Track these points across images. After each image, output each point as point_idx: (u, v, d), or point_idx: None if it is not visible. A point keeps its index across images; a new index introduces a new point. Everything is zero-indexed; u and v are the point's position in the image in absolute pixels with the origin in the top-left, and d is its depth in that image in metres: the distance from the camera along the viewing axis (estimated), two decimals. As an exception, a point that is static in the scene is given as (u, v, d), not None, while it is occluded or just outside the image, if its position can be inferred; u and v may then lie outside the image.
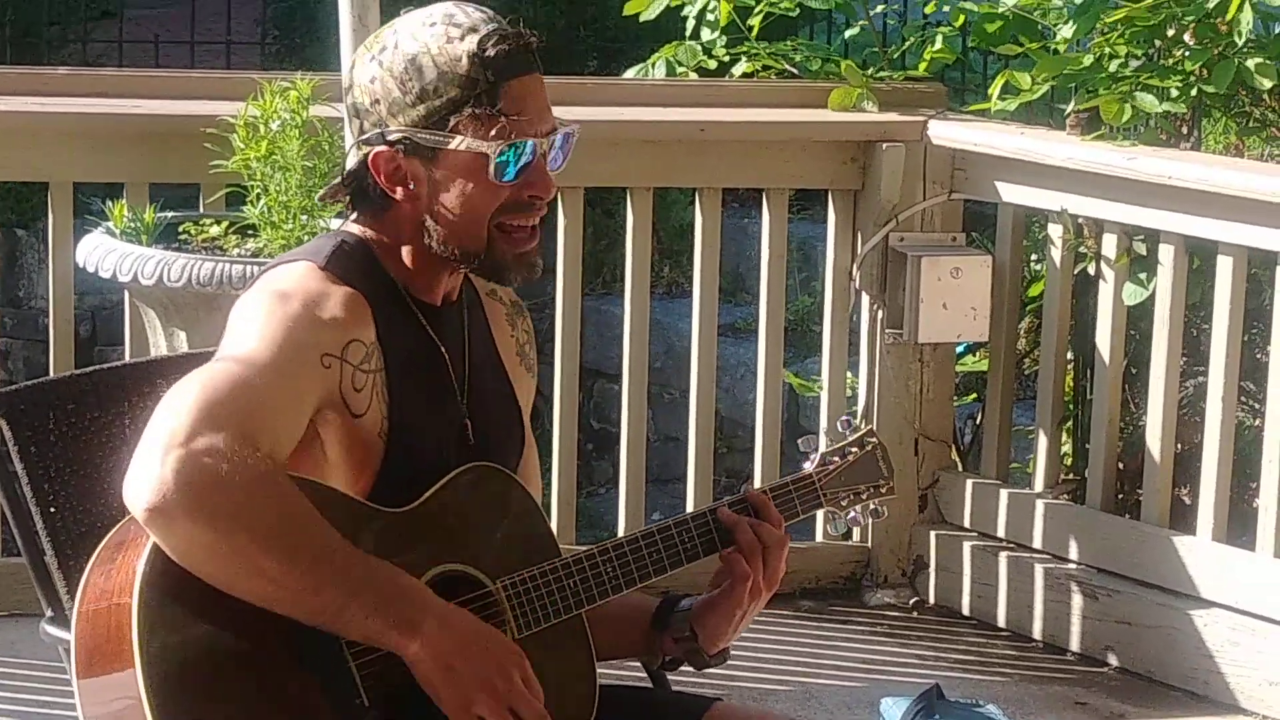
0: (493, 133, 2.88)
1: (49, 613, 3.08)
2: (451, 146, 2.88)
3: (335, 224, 4.84)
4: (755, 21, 6.10)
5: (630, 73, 6.28)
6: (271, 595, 2.71)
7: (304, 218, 4.79)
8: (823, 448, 3.19)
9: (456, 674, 2.77)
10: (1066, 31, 5.70)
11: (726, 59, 6.10)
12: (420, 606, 2.77)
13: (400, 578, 2.77)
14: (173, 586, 2.70)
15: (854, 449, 3.19)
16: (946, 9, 6.20)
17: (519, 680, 2.80)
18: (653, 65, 6.11)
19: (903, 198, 5.75)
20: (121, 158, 5.41)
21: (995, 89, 5.74)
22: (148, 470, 2.67)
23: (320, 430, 2.86)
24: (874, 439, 3.21)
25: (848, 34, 6.29)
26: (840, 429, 3.22)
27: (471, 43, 2.87)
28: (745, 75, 6.08)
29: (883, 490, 3.21)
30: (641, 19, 6.12)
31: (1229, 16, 5.43)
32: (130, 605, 2.69)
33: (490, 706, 2.78)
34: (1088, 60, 5.59)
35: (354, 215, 2.99)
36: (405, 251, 2.96)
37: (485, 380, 3.05)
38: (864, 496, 3.19)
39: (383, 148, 2.91)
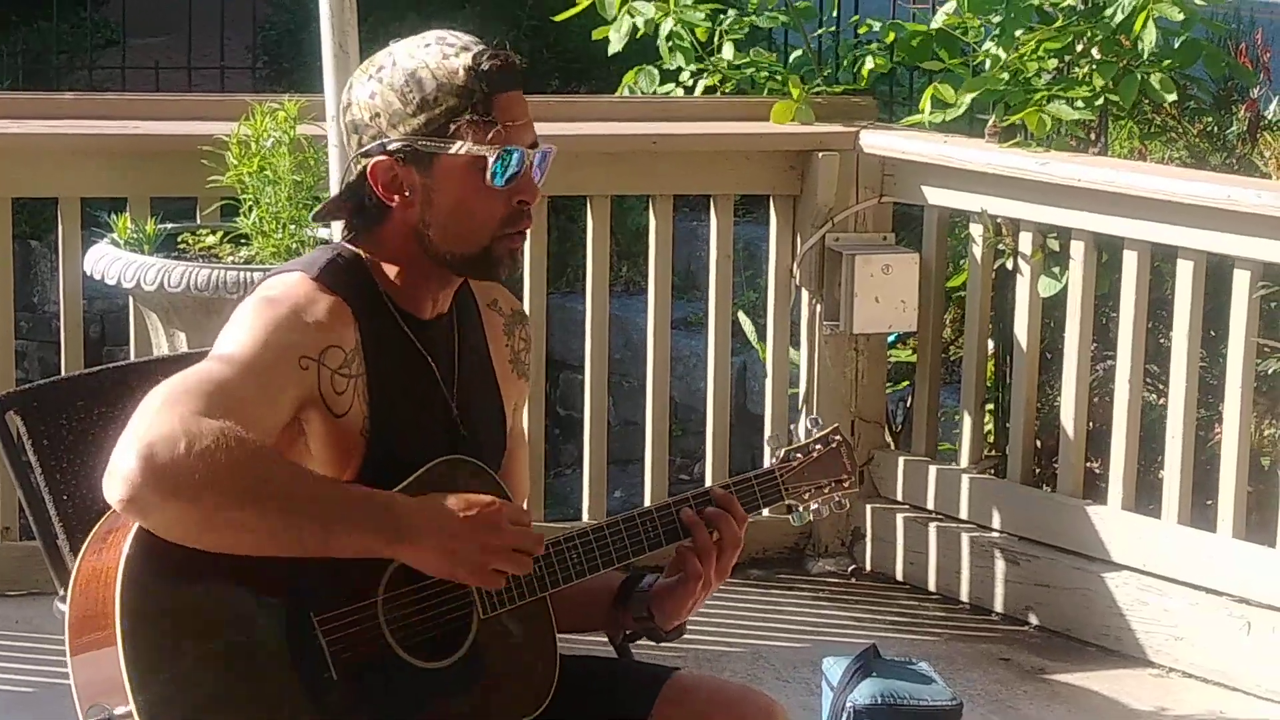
0: (489, 137, 2.83)
1: (61, 591, 3.04)
2: (451, 151, 2.83)
3: (323, 233, 4.83)
4: (728, 43, 6.04)
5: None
6: (259, 543, 2.65)
7: (293, 227, 4.78)
8: (789, 444, 3.13)
9: (458, 553, 2.73)
10: (994, 49, 5.66)
11: (690, 84, 6.07)
12: (398, 513, 2.72)
13: (373, 494, 2.73)
14: (154, 567, 2.65)
15: (818, 446, 3.12)
16: (877, 27, 6.19)
17: (507, 524, 2.77)
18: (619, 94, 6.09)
19: (838, 201, 5.74)
20: (125, 174, 5.37)
21: (925, 102, 5.73)
22: (117, 467, 2.62)
23: (305, 427, 2.81)
24: (838, 437, 3.14)
25: (791, 57, 6.26)
26: (809, 427, 3.15)
27: (466, 58, 2.84)
28: (708, 90, 6.06)
29: (845, 485, 3.14)
30: (610, 53, 6.07)
31: (1134, 34, 5.42)
32: (115, 583, 2.65)
33: (500, 559, 2.75)
34: (1005, 76, 5.59)
35: (350, 235, 2.93)
36: (396, 267, 2.91)
37: (474, 385, 3.00)
38: (826, 491, 3.13)
39: (382, 157, 2.85)
